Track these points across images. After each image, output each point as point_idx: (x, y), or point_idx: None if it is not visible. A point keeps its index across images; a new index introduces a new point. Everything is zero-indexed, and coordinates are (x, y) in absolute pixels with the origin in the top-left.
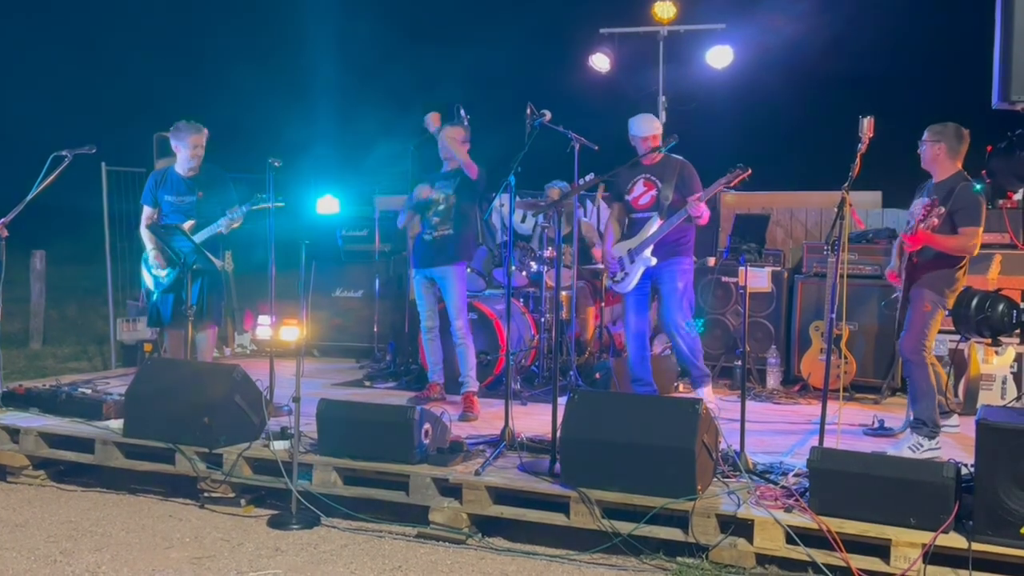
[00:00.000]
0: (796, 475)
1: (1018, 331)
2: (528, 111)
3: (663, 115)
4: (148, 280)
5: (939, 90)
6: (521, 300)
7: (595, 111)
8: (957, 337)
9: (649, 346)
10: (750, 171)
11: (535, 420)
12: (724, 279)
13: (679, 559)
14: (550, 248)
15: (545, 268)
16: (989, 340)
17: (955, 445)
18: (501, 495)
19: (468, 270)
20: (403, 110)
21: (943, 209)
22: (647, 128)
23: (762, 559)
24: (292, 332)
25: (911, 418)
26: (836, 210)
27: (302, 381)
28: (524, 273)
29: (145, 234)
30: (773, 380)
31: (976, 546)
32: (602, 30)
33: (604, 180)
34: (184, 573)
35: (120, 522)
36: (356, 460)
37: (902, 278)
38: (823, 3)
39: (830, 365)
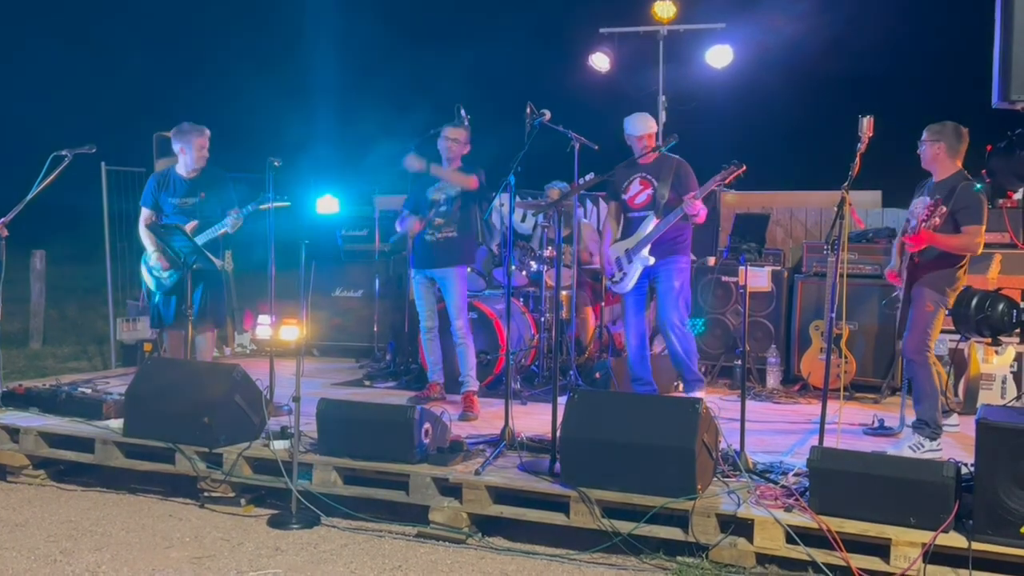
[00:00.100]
0: (796, 474)
1: (1018, 330)
2: (528, 111)
3: (663, 115)
4: (149, 281)
5: (939, 90)
6: (521, 300)
7: (595, 111)
8: (957, 337)
9: (649, 345)
10: (744, 167)
11: (535, 420)
12: (724, 278)
13: (679, 558)
14: (550, 248)
15: (545, 268)
16: (989, 339)
17: (955, 444)
18: (501, 495)
19: (468, 270)
20: (403, 110)
21: (945, 209)
22: (642, 127)
23: (762, 558)
24: (292, 332)
25: (903, 416)
26: (836, 209)
27: (302, 381)
28: (524, 273)
29: (145, 235)
30: (773, 379)
31: (976, 545)
32: (602, 30)
33: (604, 180)
34: (184, 573)
35: (120, 522)
36: (356, 460)
37: (903, 278)
38: (823, 3)
39: (830, 364)
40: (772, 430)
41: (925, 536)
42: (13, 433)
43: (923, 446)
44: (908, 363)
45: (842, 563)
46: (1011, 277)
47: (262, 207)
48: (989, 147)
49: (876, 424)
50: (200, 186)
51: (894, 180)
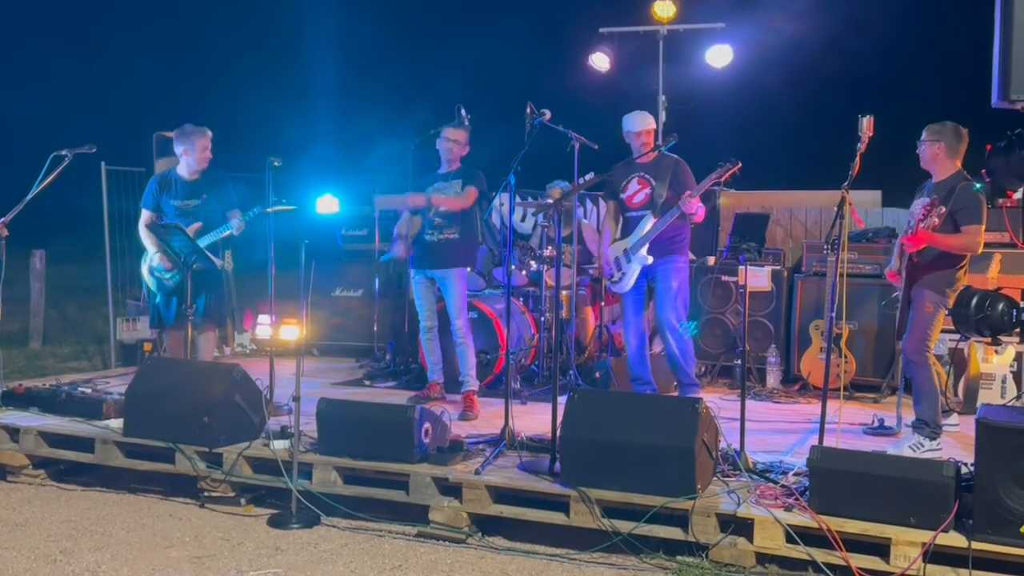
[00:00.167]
0: (796, 474)
1: (1018, 330)
2: (528, 110)
3: (663, 114)
4: (150, 282)
5: (939, 89)
6: (521, 299)
7: (595, 110)
8: (957, 336)
9: (648, 345)
10: (740, 164)
11: (535, 419)
12: (724, 278)
13: (679, 558)
14: (550, 247)
15: (544, 267)
16: (989, 339)
17: (955, 444)
18: (501, 494)
19: (470, 270)
20: (403, 109)
21: (944, 209)
22: (639, 123)
23: (762, 558)
24: (292, 331)
25: (899, 415)
26: (836, 209)
27: (302, 380)
28: (524, 272)
29: (146, 236)
30: (773, 379)
31: (976, 545)
32: (602, 29)
33: (604, 179)
34: (184, 572)
35: (120, 521)
36: (356, 459)
37: (902, 278)
38: (823, 2)
39: (830, 364)
40: (772, 430)
41: (925, 536)
42: (13, 433)
43: (923, 446)
44: (908, 363)
45: (842, 563)
46: (1011, 277)
47: (268, 211)
48: (989, 147)
49: (876, 424)
50: (202, 188)
51: (894, 180)
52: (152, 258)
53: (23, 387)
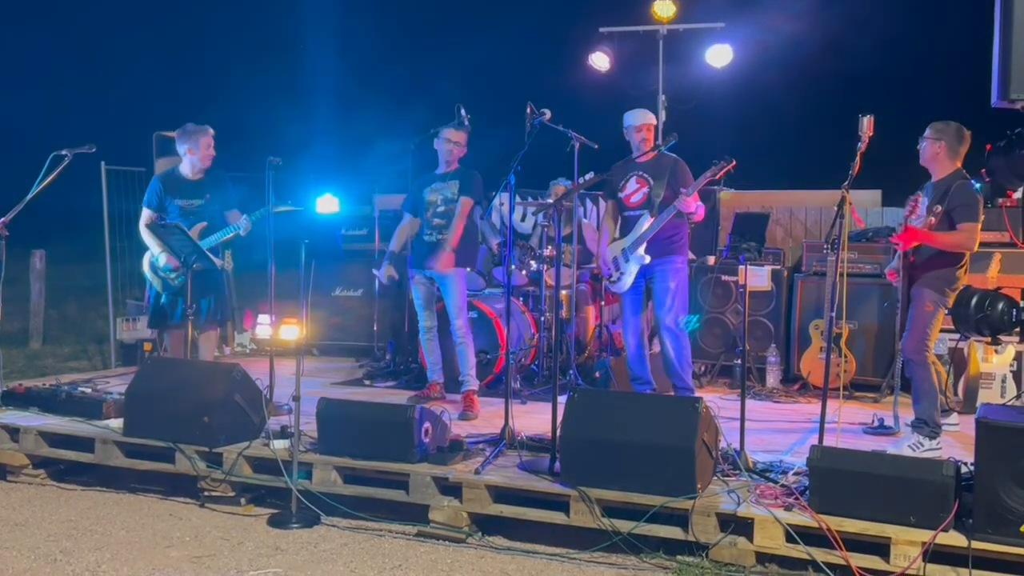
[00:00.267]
0: (796, 473)
1: (1018, 329)
2: (528, 110)
3: (663, 114)
4: (156, 282)
5: (939, 89)
6: (521, 299)
7: (595, 110)
8: (957, 336)
9: (648, 345)
10: (735, 162)
11: (535, 419)
12: (724, 278)
13: (679, 558)
14: (550, 247)
15: (544, 267)
16: (989, 339)
17: (955, 443)
18: (501, 494)
19: (469, 270)
20: (403, 109)
21: (940, 207)
22: (639, 117)
23: (762, 557)
24: (292, 331)
25: (896, 414)
26: (836, 209)
27: (302, 380)
28: (524, 272)
29: (148, 235)
30: (773, 379)
31: (976, 544)
32: (602, 29)
33: (603, 178)
34: (184, 572)
35: (120, 521)
36: (356, 459)
37: (901, 277)
38: (822, 2)
39: (830, 364)
40: (772, 429)
41: (925, 535)
42: (13, 432)
43: (923, 445)
44: (907, 363)
45: (842, 562)
46: (1011, 276)
47: (276, 210)
48: (989, 146)
49: (876, 423)
50: (206, 187)
51: (894, 179)
52: (159, 257)
53: (23, 387)
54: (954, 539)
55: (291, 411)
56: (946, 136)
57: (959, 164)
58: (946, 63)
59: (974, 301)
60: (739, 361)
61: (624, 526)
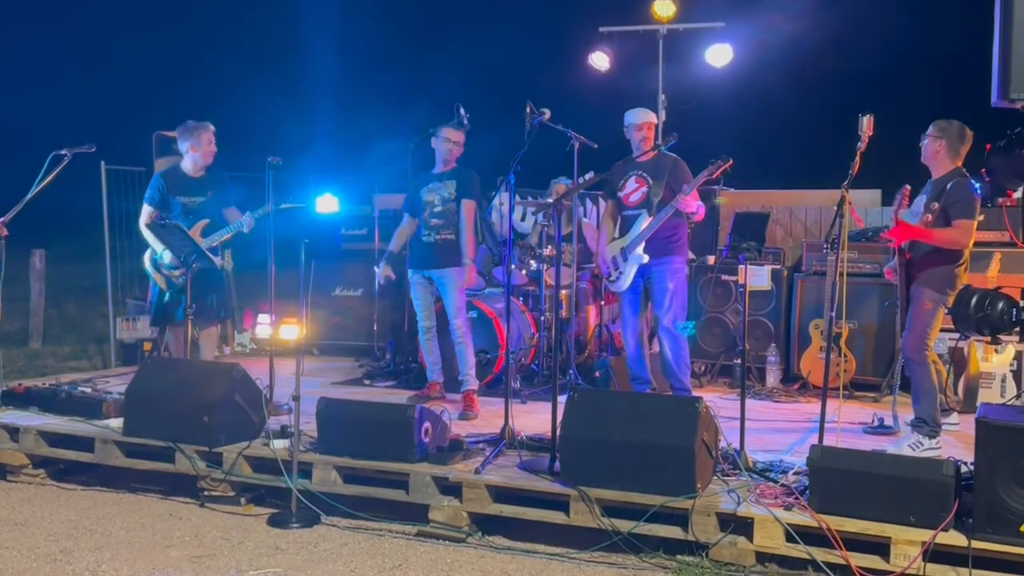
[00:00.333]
0: (796, 473)
1: (1017, 329)
2: (527, 110)
3: (663, 113)
4: (160, 281)
5: (939, 89)
6: (521, 298)
7: (595, 110)
8: (957, 335)
9: (647, 344)
10: (731, 161)
11: (535, 419)
12: (724, 277)
13: (679, 557)
14: (550, 247)
15: (544, 266)
16: (989, 338)
17: (955, 443)
18: (501, 493)
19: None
20: (402, 109)
21: (937, 204)
22: (639, 116)
23: (762, 557)
24: (292, 331)
25: (895, 414)
26: (836, 208)
27: (302, 380)
28: (524, 272)
29: (149, 234)
30: (773, 378)
31: (976, 544)
32: (601, 28)
33: (603, 178)
34: (184, 572)
35: (120, 521)
36: (356, 459)
37: (898, 274)
38: (822, 1)
39: (830, 363)
40: (772, 429)
41: (925, 535)
42: (13, 432)
43: (922, 444)
44: (907, 362)
45: (842, 562)
46: (1011, 276)
47: (282, 207)
48: (989, 146)
49: (876, 423)
50: (207, 185)
51: (894, 179)
52: (163, 255)
53: (23, 386)
54: (954, 539)
55: (291, 411)
56: (947, 135)
57: (959, 163)
58: (946, 63)
59: (974, 300)
60: (739, 361)
61: (624, 526)
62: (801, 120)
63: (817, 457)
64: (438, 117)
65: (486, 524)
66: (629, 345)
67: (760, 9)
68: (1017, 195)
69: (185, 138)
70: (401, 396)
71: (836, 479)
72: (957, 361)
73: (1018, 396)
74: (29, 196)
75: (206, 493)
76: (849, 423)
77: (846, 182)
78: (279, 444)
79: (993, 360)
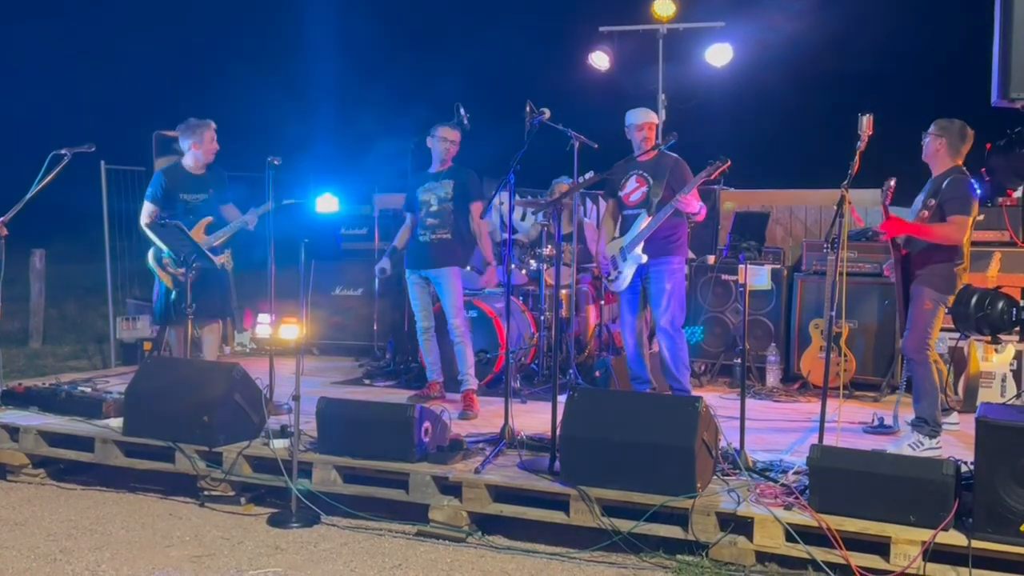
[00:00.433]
0: (796, 473)
1: (1018, 329)
2: (527, 109)
3: (663, 113)
4: (166, 279)
5: (939, 88)
6: (521, 298)
7: (595, 109)
8: (957, 335)
9: (647, 344)
10: (729, 162)
11: (535, 418)
12: (724, 277)
13: (679, 557)
14: (550, 246)
15: (544, 266)
16: (989, 338)
17: (955, 442)
18: (501, 493)
19: (468, 268)
20: (402, 108)
21: (934, 201)
22: (640, 116)
23: (762, 557)
24: (291, 330)
25: (897, 414)
26: (836, 208)
27: (302, 379)
28: (524, 271)
29: (150, 232)
30: (773, 378)
31: (976, 543)
32: (601, 28)
33: (604, 177)
34: (184, 571)
35: (120, 520)
36: (356, 458)
37: (894, 270)
38: (822, 1)
39: (830, 363)
40: (772, 428)
41: (925, 534)
42: (13, 432)
43: (923, 444)
44: (908, 361)
45: (842, 561)
46: (1011, 275)
47: (284, 203)
48: (988, 145)
49: (876, 422)
50: (209, 183)
51: (894, 178)
52: (168, 252)
53: (23, 386)
54: (954, 538)
55: (291, 410)
56: (948, 133)
57: (960, 162)
58: (946, 62)
59: (974, 300)
60: (739, 360)
61: (624, 525)
62: (801, 120)
63: (817, 457)
64: (438, 117)
65: (486, 524)
66: (628, 345)
67: (760, 9)
68: (1017, 194)
69: (187, 136)
70: (401, 396)
71: (836, 479)
72: (957, 361)
73: (1018, 396)
74: (29, 196)
75: (206, 493)
76: (849, 423)
77: (846, 181)
78: (279, 444)
79: (993, 360)
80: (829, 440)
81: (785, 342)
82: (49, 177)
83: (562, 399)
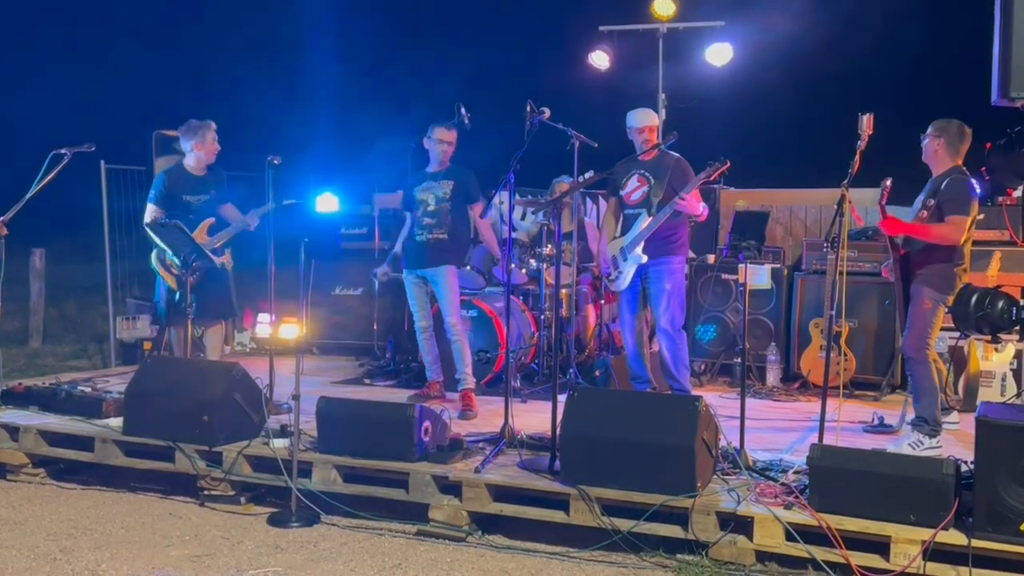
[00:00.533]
0: (796, 472)
1: (1018, 328)
2: (528, 108)
3: (663, 112)
4: (169, 279)
5: (938, 88)
6: (521, 298)
7: (595, 109)
8: (957, 334)
9: (647, 343)
10: (729, 164)
11: (535, 418)
12: (724, 276)
13: (679, 556)
14: (550, 245)
15: (544, 265)
16: (989, 337)
17: (955, 442)
18: (501, 492)
19: (468, 267)
20: (402, 108)
21: (933, 201)
22: (641, 119)
23: (762, 556)
24: (291, 330)
25: (904, 413)
26: (836, 207)
27: (302, 379)
28: (524, 271)
29: (152, 233)
30: (773, 377)
31: (976, 543)
32: (601, 27)
33: (605, 176)
34: (184, 571)
35: (120, 520)
36: (356, 458)
37: (894, 271)
38: (822, 1)
39: (830, 362)
40: (772, 428)
41: (925, 533)
42: (13, 431)
43: (923, 443)
44: (907, 361)
45: (842, 560)
46: (1011, 275)
47: (285, 203)
48: (988, 145)
49: (876, 422)
50: (210, 183)
51: (894, 178)
52: (170, 253)
53: (23, 386)
54: (954, 537)
55: (291, 410)
56: (946, 134)
57: (959, 162)
58: (946, 62)
59: (974, 299)
60: (739, 359)
61: (624, 525)
62: (801, 119)
63: (817, 456)
64: (438, 116)
65: (486, 523)
66: (628, 344)
67: (760, 9)
68: (1017, 194)
69: (189, 137)
70: (401, 395)
71: (836, 478)
72: (957, 360)
73: (1018, 395)
74: (29, 195)
75: (206, 492)
76: (849, 422)
77: (846, 181)
78: (279, 443)
79: (993, 359)
80: (829, 439)
81: (785, 341)
82: (49, 177)
83: (562, 399)
